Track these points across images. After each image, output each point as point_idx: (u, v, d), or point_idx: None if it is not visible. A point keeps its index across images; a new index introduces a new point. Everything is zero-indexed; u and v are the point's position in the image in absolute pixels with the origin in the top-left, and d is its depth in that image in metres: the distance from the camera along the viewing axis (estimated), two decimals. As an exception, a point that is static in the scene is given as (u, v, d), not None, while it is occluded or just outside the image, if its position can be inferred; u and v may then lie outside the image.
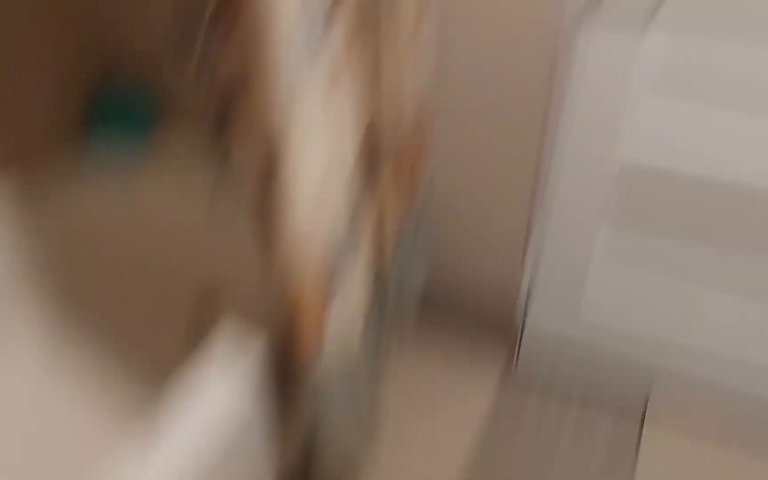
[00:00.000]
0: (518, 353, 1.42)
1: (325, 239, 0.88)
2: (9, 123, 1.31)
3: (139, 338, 1.40)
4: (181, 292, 1.44)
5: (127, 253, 1.47)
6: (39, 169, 1.37)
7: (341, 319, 0.94)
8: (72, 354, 1.35)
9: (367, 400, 1.05)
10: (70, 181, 1.41)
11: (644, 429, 1.30)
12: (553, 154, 1.24)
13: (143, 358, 1.37)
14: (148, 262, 1.48)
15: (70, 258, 1.41)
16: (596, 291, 1.31)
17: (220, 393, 0.93)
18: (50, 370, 1.33)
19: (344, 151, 0.89)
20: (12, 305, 1.32)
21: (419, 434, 1.31)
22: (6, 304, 1.30)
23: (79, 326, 1.39)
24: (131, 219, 1.46)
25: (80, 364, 1.34)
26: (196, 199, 1.42)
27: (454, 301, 1.44)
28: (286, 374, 1.01)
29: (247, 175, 0.86)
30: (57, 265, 1.38)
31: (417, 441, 1.29)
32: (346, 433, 1.04)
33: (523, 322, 1.40)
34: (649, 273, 1.26)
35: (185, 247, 1.47)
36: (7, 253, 1.29)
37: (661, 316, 1.29)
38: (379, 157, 1.03)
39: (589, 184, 1.23)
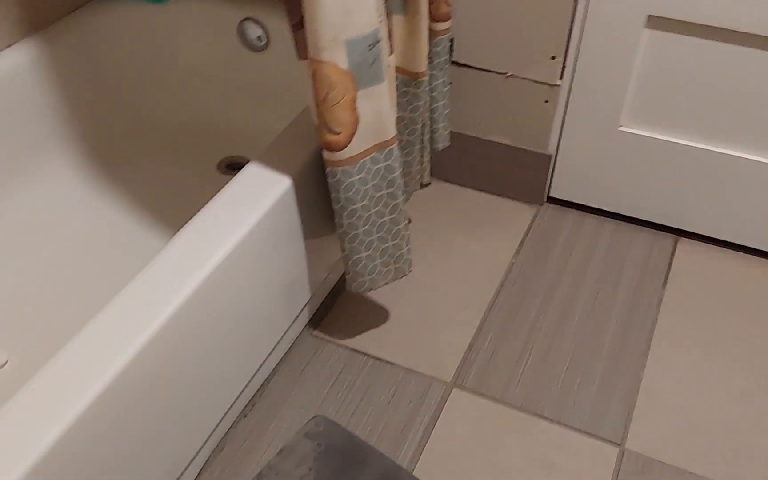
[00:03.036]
0: (553, 173, 1.43)
1: (354, 36, 0.87)
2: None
3: (174, 177, 1.45)
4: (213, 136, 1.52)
5: (154, 98, 1.54)
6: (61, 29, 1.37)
7: (372, 110, 0.94)
8: (105, 194, 1.40)
9: (401, 206, 1.04)
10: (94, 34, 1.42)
11: (677, 246, 1.36)
12: None
13: (173, 198, 1.40)
14: (176, 108, 1.55)
15: (103, 106, 1.46)
16: (636, 100, 1.27)
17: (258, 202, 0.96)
18: (84, 205, 1.37)
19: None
20: (49, 152, 1.36)
21: (452, 258, 1.36)
22: (44, 150, 1.35)
23: (113, 171, 1.44)
24: (156, 65, 1.52)
25: (112, 203, 1.38)
26: (221, 43, 1.50)
27: (485, 135, 1.42)
28: (321, 173, 1.05)
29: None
30: (92, 113, 1.43)
31: (454, 259, 1.35)
32: (380, 236, 1.04)
33: (559, 141, 1.38)
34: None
35: (214, 91, 1.55)
36: (40, 106, 1.33)
37: (702, 126, 1.26)
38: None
39: None
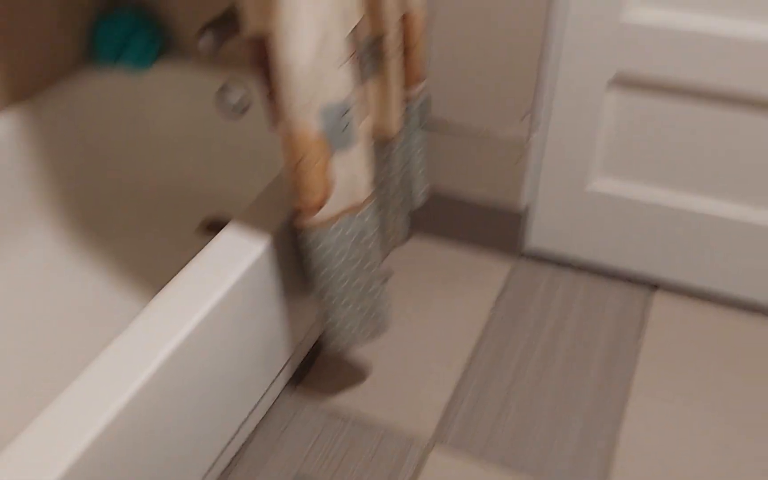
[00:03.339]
0: (527, 229, 1.46)
1: (326, 103, 0.89)
2: (10, 58, 1.34)
3: (150, 244, 1.46)
4: (191, 201, 1.55)
5: (136, 164, 1.57)
6: (45, 98, 1.41)
7: (346, 173, 0.96)
8: (86, 259, 1.42)
9: (376, 266, 1.06)
10: (77, 103, 1.46)
11: (653, 298, 1.38)
12: None
13: (153, 262, 1.42)
14: (157, 173, 1.59)
15: (86, 172, 1.49)
16: (605, 158, 1.32)
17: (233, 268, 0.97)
18: (65, 270, 1.39)
19: (341, 20, 0.88)
20: (32, 218, 1.39)
21: (431, 313, 1.38)
22: (27, 216, 1.38)
23: (95, 236, 1.47)
24: (138, 131, 1.56)
25: (94, 268, 1.40)
26: (200, 108, 1.53)
27: (460, 192, 1.45)
28: (297, 235, 1.07)
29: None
30: (75, 180, 1.46)
31: (433, 315, 1.37)
32: (356, 295, 1.05)
33: (532, 198, 1.41)
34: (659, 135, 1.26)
35: (193, 155, 1.59)
36: (24, 174, 1.36)
37: (673, 180, 1.30)
38: (381, 28, 1.03)
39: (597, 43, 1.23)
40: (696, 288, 1.37)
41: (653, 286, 1.40)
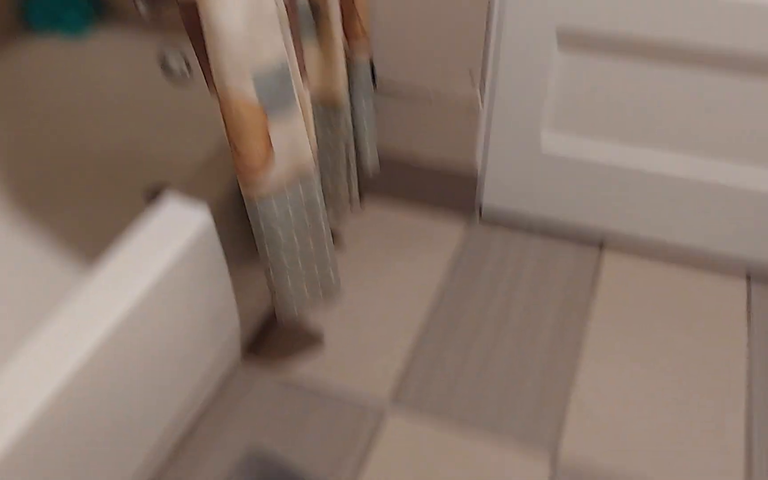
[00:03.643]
0: (481, 192, 1.46)
1: (261, 67, 0.87)
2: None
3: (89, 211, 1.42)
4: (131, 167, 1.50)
5: (78, 130, 1.52)
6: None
7: (286, 139, 0.94)
8: (28, 226, 1.37)
9: (325, 232, 1.04)
10: (16, 70, 1.42)
11: (603, 257, 1.39)
12: None
13: (98, 229, 1.38)
14: (100, 139, 1.53)
15: (27, 140, 1.45)
16: (553, 119, 1.31)
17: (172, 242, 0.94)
18: (6, 238, 1.35)
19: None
20: None
21: (385, 279, 1.36)
22: None
23: (38, 205, 1.42)
24: (79, 97, 1.51)
25: (36, 236, 1.36)
26: (143, 74, 1.49)
27: (412, 155, 1.44)
28: (242, 202, 1.04)
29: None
30: (17, 148, 1.42)
31: (387, 282, 1.36)
32: (305, 262, 1.03)
33: (484, 160, 1.40)
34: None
35: (137, 121, 1.54)
36: None
37: (622, 135, 1.31)
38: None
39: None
40: (646, 242, 1.38)
41: (604, 245, 1.41)
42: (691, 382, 1.15)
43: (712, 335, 1.23)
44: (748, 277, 1.33)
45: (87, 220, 1.39)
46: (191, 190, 1.02)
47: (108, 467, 0.90)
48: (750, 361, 1.18)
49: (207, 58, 0.88)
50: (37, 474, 0.77)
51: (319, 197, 1.00)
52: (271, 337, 1.25)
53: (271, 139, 0.91)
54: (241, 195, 1.05)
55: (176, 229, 0.95)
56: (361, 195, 1.53)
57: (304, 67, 1.00)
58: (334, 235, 1.44)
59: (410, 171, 1.45)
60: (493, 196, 1.44)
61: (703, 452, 1.05)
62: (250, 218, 0.97)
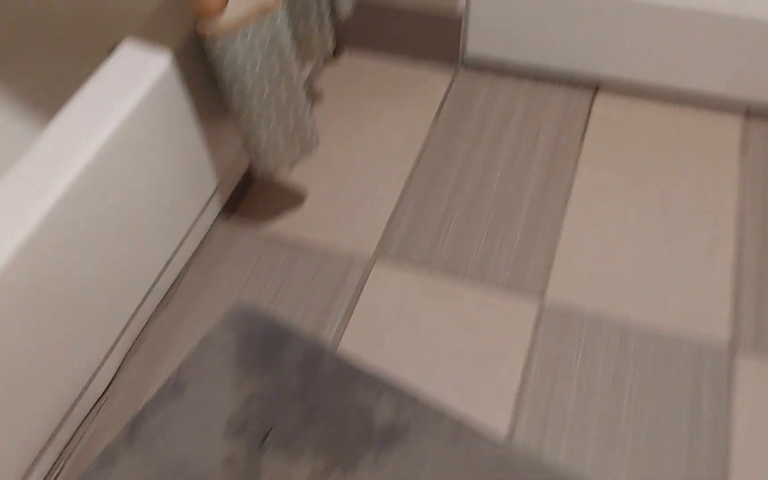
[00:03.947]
0: (466, 36, 1.37)
1: None
2: None
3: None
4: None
5: None
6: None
7: None
8: None
9: (297, 78, 0.99)
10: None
11: (595, 100, 1.33)
12: None
13: (61, 91, 1.31)
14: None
15: None
16: None
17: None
18: None
19: None
20: None
21: (368, 131, 1.32)
22: None
23: None
24: None
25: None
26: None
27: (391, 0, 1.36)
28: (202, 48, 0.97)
29: None
30: None
31: (369, 132, 1.31)
32: (278, 111, 0.99)
33: (467, 6, 1.33)
34: None
35: None
36: None
37: None
38: None
39: None
40: (641, 85, 1.32)
41: (598, 88, 1.35)
42: (681, 219, 1.13)
43: (705, 172, 1.19)
44: (747, 113, 1.28)
45: (50, 80, 1.32)
46: (148, 37, 0.95)
47: (96, 318, 0.89)
48: (741, 199, 1.15)
49: None
50: (21, 318, 0.76)
51: (286, 37, 0.93)
52: (252, 194, 1.22)
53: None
54: (200, 39, 0.98)
55: (135, 76, 0.89)
56: (337, 44, 1.45)
57: None
58: (311, 87, 1.38)
59: (390, 17, 1.37)
60: (478, 41, 1.36)
61: (690, 293, 1.05)
62: (213, 63, 0.91)
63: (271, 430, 0.92)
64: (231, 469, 0.89)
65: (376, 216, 1.17)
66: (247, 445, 0.91)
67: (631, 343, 0.99)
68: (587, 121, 1.29)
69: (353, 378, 0.97)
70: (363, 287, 1.08)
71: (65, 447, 0.93)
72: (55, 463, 0.92)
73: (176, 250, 1.06)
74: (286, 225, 1.17)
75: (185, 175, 1.02)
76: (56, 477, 0.91)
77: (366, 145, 1.28)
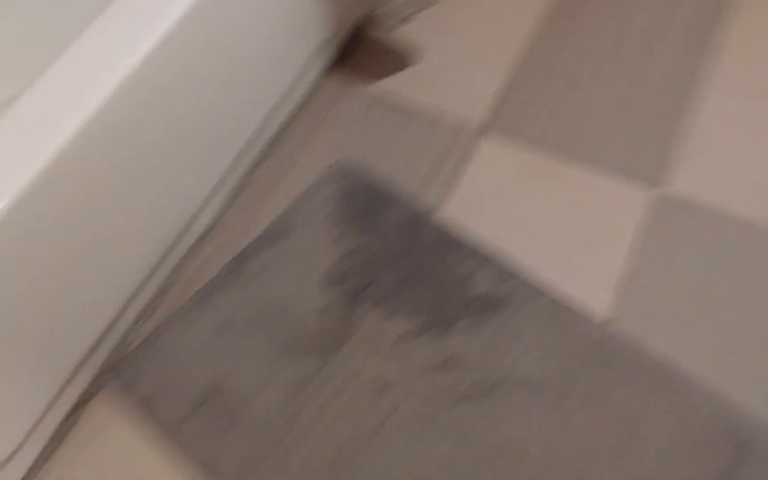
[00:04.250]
0: None
1: None
2: None
3: None
4: None
5: None
6: None
7: None
8: None
9: None
10: None
11: None
12: None
13: None
14: None
15: None
16: None
17: None
18: None
19: None
20: None
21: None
22: None
23: None
24: None
25: None
26: None
27: None
28: None
29: None
30: None
31: (486, 3, 1.24)
32: None
33: None
34: None
35: None
36: None
37: None
38: None
39: None
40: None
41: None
42: (832, 121, 1.01)
43: None
44: None
45: None
46: None
47: (200, 155, 0.90)
48: None
49: None
50: (122, 151, 0.77)
51: None
52: (363, 50, 1.18)
53: None
54: None
55: None
56: None
57: None
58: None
59: None
60: None
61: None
62: None
63: (370, 284, 0.92)
64: (326, 318, 0.90)
65: (490, 87, 1.11)
66: (344, 296, 0.92)
67: (755, 245, 0.92)
68: (727, 4, 1.16)
69: (454, 246, 0.95)
70: (469, 159, 1.04)
71: (163, 283, 0.97)
72: (152, 300, 0.96)
73: (283, 100, 1.05)
74: (395, 85, 1.13)
75: (295, 21, 0.99)
76: (154, 313, 0.95)
77: (486, 13, 1.20)
